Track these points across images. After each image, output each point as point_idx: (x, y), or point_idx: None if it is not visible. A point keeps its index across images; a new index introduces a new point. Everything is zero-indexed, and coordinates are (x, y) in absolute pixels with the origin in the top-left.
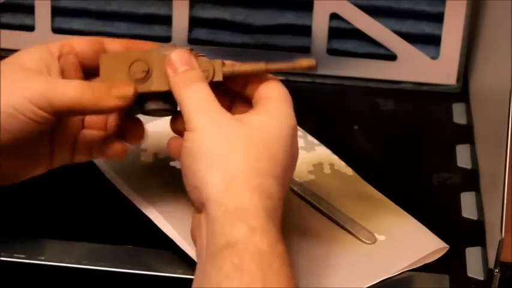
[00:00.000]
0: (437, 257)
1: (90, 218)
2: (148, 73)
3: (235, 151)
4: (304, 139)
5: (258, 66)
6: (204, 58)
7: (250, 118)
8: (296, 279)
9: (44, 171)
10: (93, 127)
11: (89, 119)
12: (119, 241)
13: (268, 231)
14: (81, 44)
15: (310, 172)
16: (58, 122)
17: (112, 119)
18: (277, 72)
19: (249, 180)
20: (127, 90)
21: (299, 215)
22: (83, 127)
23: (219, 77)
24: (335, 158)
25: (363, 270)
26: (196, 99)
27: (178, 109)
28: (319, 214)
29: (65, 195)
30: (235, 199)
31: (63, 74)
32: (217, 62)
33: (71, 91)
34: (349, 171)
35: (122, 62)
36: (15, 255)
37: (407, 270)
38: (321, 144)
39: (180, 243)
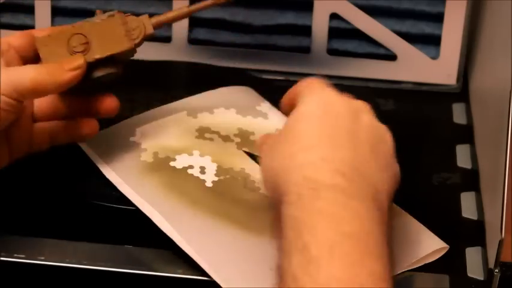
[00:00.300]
0: (437, 257)
1: (90, 217)
2: (87, 44)
3: (280, 162)
4: None
5: (182, 10)
6: (132, 17)
7: (286, 121)
8: (354, 221)
9: (4, 165)
10: (44, 119)
11: (38, 110)
12: (119, 241)
13: (302, 196)
14: (16, 40)
15: None
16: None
17: (62, 105)
18: (276, 72)
19: (286, 164)
20: (77, 61)
21: None
22: (35, 120)
23: (150, 30)
24: None
25: None
26: None
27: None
28: None
29: (64, 195)
30: (279, 191)
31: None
32: (145, 17)
33: (28, 72)
34: None
35: (59, 40)
36: (15, 255)
37: (407, 271)
38: None
39: (179, 242)
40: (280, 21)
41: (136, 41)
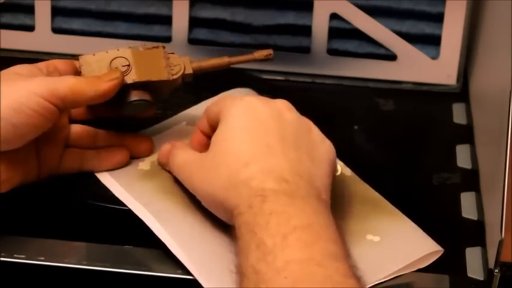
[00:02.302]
0: (431, 261)
1: (90, 218)
2: (129, 67)
3: (216, 180)
4: None
5: (222, 60)
6: (175, 55)
7: (213, 140)
8: (301, 215)
9: (33, 179)
10: (77, 145)
11: (73, 135)
12: (119, 241)
13: (253, 205)
14: (60, 64)
15: None
16: (56, 120)
17: (101, 135)
18: (276, 72)
19: (232, 181)
20: (115, 73)
21: None
22: (67, 146)
23: (189, 70)
24: None
25: None
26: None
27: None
28: None
29: (65, 195)
30: (229, 206)
31: None
32: (186, 59)
33: (68, 79)
34: (347, 171)
35: (102, 61)
36: (15, 255)
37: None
38: None
39: (171, 245)
40: (280, 21)
41: (175, 77)
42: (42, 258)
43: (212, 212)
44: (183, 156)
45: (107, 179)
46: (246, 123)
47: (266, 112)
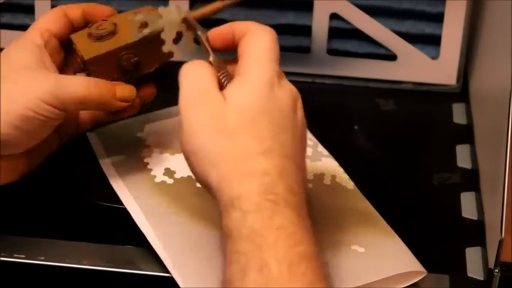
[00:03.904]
0: (413, 282)
1: (90, 218)
2: (138, 64)
3: (220, 145)
4: (314, 149)
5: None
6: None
7: (230, 94)
8: (308, 242)
9: (54, 151)
10: None
11: None
12: (119, 241)
13: (262, 208)
14: (53, 25)
15: (308, 181)
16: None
17: None
18: None
19: (239, 167)
20: (130, 92)
21: None
22: None
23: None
24: (339, 171)
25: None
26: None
27: None
28: None
29: (65, 195)
30: (228, 192)
31: (52, 59)
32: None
33: (79, 89)
34: (350, 185)
35: (109, 60)
36: (15, 255)
37: None
38: (330, 156)
39: (153, 241)
40: (280, 21)
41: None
42: (42, 258)
43: (191, 170)
44: (197, 83)
45: (107, 166)
46: (270, 103)
47: (288, 104)
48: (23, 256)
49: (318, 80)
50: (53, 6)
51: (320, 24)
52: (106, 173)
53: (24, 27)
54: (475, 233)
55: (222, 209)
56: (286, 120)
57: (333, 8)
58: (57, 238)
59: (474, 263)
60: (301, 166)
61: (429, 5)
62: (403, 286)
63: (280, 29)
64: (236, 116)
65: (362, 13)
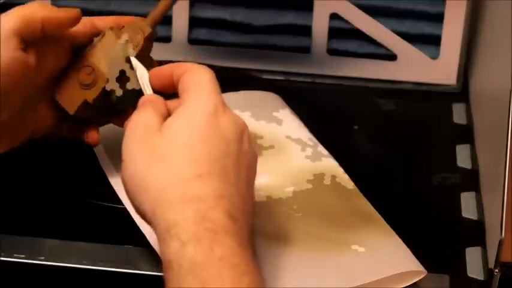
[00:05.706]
0: (413, 282)
1: (90, 217)
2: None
3: (153, 171)
4: (314, 149)
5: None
6: (130, 23)
7: (166, 123)
8: (252, 273)
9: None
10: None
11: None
12: (119, 241)
13: (201, 238)
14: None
15: (308, 181)
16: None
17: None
18: (276, 72)
19: (170, 193)
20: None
21: (275, 220)
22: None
23: (148, 31)
24: (339, 171)
25: (330, 277)
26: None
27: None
28: (301, 220)
29: (65, 195)
30: (163, 219)
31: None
32: (138, 19)
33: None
34: (350, 185)
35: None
36: (15, 255)
37: None
38: (330, 156)
39: (153, 242)
40: (280, 21)
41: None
42: (42, 258)
43: (129, 199)
44: (141, 116)
45: (107, 167)
46: (210, 129)
47: (233, 131)
48: (23, 256)
49: (318, 80)
50: None
51: (320, 24)
52: (106, 172)
53: None
54: (475, 233)
55: (159, 237)
56: (231, 146)
57: (333, 8)
58: (57, 238)
59: (474, 263)
60: (244, 195)
61: (429, 5)
62: (403, 286)
63: (280, 29)
64: (168, 141)
65: (362, 13)
